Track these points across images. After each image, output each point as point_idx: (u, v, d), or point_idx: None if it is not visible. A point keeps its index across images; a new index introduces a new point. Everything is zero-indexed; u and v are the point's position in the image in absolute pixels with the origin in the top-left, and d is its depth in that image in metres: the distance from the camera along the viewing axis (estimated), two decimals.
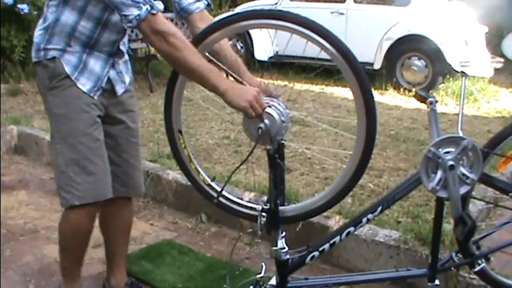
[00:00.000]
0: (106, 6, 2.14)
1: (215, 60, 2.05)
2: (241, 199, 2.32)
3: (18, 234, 3.28)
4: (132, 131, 2.54)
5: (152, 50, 8.10)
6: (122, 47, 2.41)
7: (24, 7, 6.70)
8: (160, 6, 2.07)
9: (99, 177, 2.31)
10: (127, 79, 2.47)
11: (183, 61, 2.00)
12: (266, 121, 1.96)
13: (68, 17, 2.18)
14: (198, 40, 2.05)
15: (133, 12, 1.99)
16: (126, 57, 2.47)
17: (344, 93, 7.11)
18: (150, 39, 2.04)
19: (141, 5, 2.00)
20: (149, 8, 2.01)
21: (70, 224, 2.37)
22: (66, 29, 2.19)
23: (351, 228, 2.18)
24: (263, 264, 2.34)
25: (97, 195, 2.31)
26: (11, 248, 3.17)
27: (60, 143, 2.27)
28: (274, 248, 2.17)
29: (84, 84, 2.25)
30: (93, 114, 2.28)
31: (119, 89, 2.41)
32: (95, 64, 2.27)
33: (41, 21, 2.27)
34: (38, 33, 2.25)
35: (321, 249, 2.20)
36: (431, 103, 2.10)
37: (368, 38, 8.04)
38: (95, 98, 2.28)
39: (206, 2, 2.42)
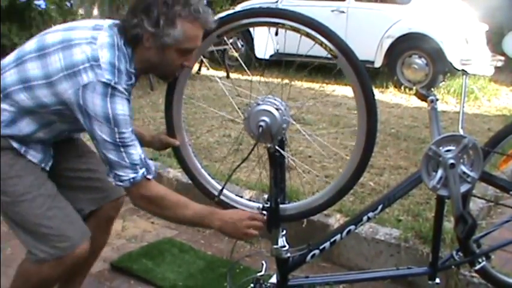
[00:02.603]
0: (76, 121, 1.97)
1: (232, 48, 2.08)
2: (242, 197, 2.32)
3: None
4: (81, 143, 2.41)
5: None
6: None
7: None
8: (153, 167, 2.03)
9: (76, 217, 2.16)
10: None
11: (173, 217, 2.10)
12: (267, 119, 1.97)
13: (27, 125, 2.02)
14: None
15: (129, 174, 1.94)
16: None
17: (345, 91, 7.11)
18: (135, 202, 2.03)
19: (138, 168, 1.95)
20: (145, 173, 1.97)
21: (42, 275, 2.13)
22: (19, 133, 2.02)
23: (352, 227, 2.19)
24: (264, 262, 2.35)
25: (84, 233, 2.15)
26: (12, 247, 3.16)
27: (17, 206, 2.05)
28: (275, 246, 2.17)
29: (35, 156, 2.09)
30: (38, 165, 2.11)
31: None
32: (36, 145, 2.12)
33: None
34: None
35: (321, 247, 2.20)
36: (432, 101, 2.10)
37: (369, 36, 8.03)
38: (47, 169, 2.14)
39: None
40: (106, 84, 1.87)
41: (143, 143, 2.32)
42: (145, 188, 1.98)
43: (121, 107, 1.90)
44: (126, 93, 1.95)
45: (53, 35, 2.00)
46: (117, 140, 1.90)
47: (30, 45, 2.01)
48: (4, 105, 1.98)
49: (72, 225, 2.11)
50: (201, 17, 1.92)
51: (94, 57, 1.89)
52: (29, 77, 1.95)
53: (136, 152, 1.95)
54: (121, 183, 1.96)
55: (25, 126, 2.02)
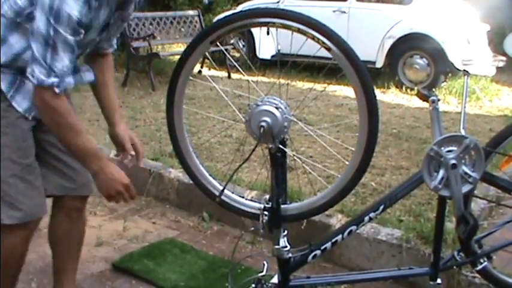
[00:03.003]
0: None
1: (226, 52, 2.07)
2: (243, 197, 2.32)
3: None
4: None
5: (154, 48, 8.11)
6: None
7: None
8: (67, 85, 1.97)
9: (36, 193, 2.15)
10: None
11: (61, 137, 2.04)
12: (268, 119, 1.97)
13: (16, 41, 2.00)
14: (202, 36, 2.04)
15: (41, 75, 1.87)
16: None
17: (346, 91, 7.11)
18: (36, 103, 1.97)
19: (53, 75, 1.88)
20: (55, 83, 1.89)
21: (5, 248, 2.15)
22: (10, 51, 2.01)
23: (353, 227, 2.18)
24: (265, 262, 2.34)
25: (38, 213, 2.18)
26: None
27: None
28: (276, 246, 2.17)
29: (20, 103, 2.07)
30: (24, 128, 2.10)
31: None
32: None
33: None
34: None
35: (323, 247, 2.20)
36: (433, 102, 2.10)
37: (370, 36, 8.03)
38: (30, 118, 2.10)
39: (115, 47, 2.40)
40: None
41: (111, 128, 2.37)
42: (48, 96, 1.92)
43: (72, 4, 1.81)
44: None
45: None
46: (50, 36, 1.83)
47: None
48: None
49: (30, 200, 2.12)
50: None
51: None
52: None
53: (62, 61, 1.88)
54: (31, 78, 1.90)
55: (14, 43, 2.00)
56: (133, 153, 2.36)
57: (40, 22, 1.83)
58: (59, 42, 1.85)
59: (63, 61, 1.89)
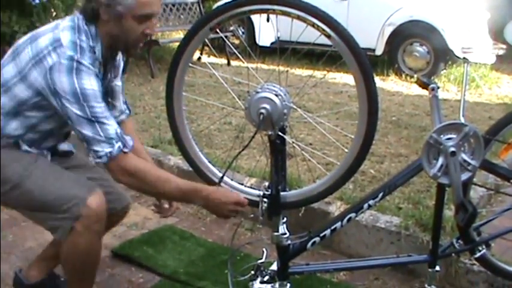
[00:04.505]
0: (62, 121, 2.08)
1: (225, 39, 2.07)
2: (243, 184, 2.32)
3: (21, 219, 3.27)
4: (79, 157, 2.40)
5: (154, 36, 8.07)
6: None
7: None
8: (131, 142, 2.06)
9: (74, 178, 2.16)
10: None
11: (154, 192, 2.13)
12: (267, 106, 1.97)
13: (14, 130, 2.09)
14: (202, 23, 2.04)
15: (105, 149, 1.97)
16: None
17: (346, 79, 7.10)
18: (117, 177, 2.04)
19: (114, 142, 1.98)
20: (121, 146, 1.99)
21: (81, 247, 2.10)
22: (10, 138, 2.10)
23: (352, 214, 2.19)
24: (264, 249, 2.35)
25: (90, 188, 2.11)
26: (14, 233, 3.18)
27: (18, 188, 2.07)
28: (276, 233, 2.18)
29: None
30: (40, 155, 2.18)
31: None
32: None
33: None
34: None
35: (322, 234, 2.21)
36: (433, 89, 2.10)
37: (370, 23, 7.99)
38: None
39: (128, 112, 2.46)
40: (70, 61, 1.93)
41: None
42: (123, 161, 2.00)
43: (88, 82, 1.95)
44: (93, 68, 1.99)
45: (24, 37, 2.10)
46: (89, 114, 1.95)
47: (7, 54, 2.09)
48: None
49: (75, 184, 2.12)
50: None
51: (56, 39, 1.97)
52: (5, 79, 2.03)
53: (111, 126, 1.99)
54: (99, 160, 1.99)
55: (13, 131, 2.09)
56: (167, 205, 2.45)
57: (74, 109, 1.94)
58: (99, 114, 1.96)
59: (112, 125, 2.00)
